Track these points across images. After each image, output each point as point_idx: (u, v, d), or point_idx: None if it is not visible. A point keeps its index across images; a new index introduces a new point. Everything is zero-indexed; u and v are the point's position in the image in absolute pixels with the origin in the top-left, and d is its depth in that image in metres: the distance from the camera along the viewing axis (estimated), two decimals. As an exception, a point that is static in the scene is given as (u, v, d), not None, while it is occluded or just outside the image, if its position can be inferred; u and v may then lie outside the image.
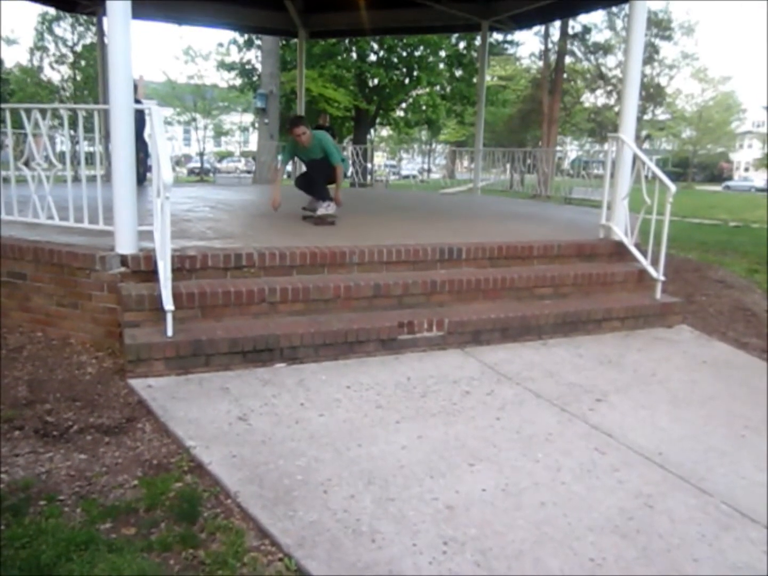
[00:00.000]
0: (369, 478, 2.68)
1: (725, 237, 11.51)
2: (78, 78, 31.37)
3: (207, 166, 38.08)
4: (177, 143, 44.02)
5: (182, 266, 4.05)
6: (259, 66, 21.37)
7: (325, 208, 6.08)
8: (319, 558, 2.19)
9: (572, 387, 3.78)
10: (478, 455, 2.93)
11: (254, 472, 2.68)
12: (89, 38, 29.61)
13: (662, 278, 5.12)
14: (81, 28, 30.44)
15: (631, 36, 5.53)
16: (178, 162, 40.49)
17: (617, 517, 2.53)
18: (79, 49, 31.00)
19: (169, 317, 3.60)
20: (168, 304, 3.59)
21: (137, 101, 5.25)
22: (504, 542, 2.33)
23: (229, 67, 25.22)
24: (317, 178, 6.21)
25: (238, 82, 25.37)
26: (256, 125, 20.94)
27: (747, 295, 6.29)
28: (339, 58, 22.62)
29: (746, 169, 61.04)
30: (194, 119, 35.15)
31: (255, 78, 22.88)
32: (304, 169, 6.62)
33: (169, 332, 3.61)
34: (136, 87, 4.70)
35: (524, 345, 4.42)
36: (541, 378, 3.87)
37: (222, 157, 46.44)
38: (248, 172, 32.75)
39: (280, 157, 6.61)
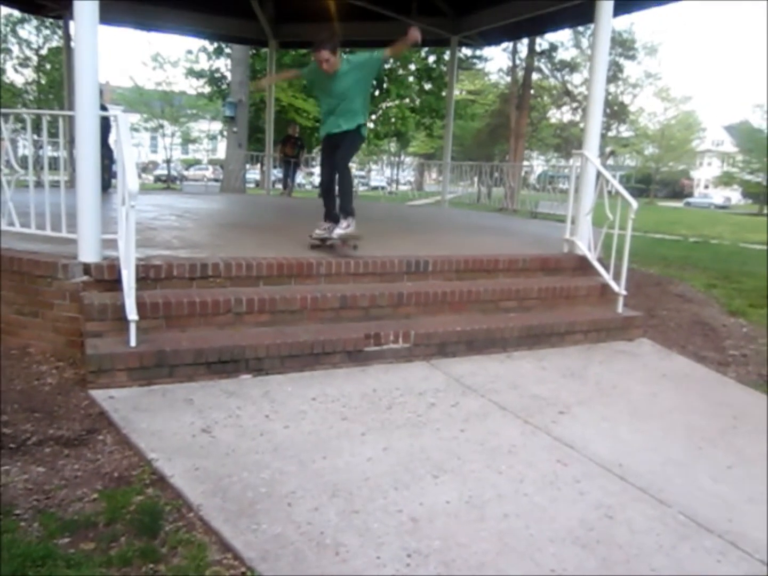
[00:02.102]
0: (334, 490, 2.68)
1: (685, 252, 11.79)
2: (42, 81, 30.77)
3: (174, 173, 37.64)
4: (143, 150, 43.45)
5: (147, 275, 4.00)
6: (228, 74, 21.29)
7: (343, 228, 4.84)
8: (283, 571, 2.18)
9: (536, 399, 3.82)
10: (442, 467, 2.95)
11: (218, 485, 2.65)
12: (55, 41, 29.10)
13: (624, 292, 5.23)
14: (47, 31, 29.90)
15: (596, 55, 5.67)
16: (144, 169, 39.97)
17: (578, 528, 2.57)
18: (44, 52, 30.44)
19: (133, 327, 3.56)
20: (132, 314, 3.55)
21: (103, 107, 5.18)
22: (467, 554, 2.35)
23: (198, 75, 25.06)
24: (343, 175, 4.89)
25: (207, 89, 25.22)
26: (225, 133, 20.81)
27: (705, 309, 6.45)
28: (309, 68, 22.64)
29: (706, 187, 62.65)
30: (161, 126, 34.71)
31: (224, 86, 22.77)
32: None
33: (133, 342, 3.56)
34: (101, 92, 4.63)
35: (489, 357, 4.46)
36: (505, 390, 3.92)
37: (189, 164, 46.01)
38: (216, 180, 32.50)
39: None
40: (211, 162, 45.24)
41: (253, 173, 31.27)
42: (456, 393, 3.81)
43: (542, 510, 2.68)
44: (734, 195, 54.47)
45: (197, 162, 47.29)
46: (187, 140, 39.73)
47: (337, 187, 4.98)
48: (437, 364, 4.24)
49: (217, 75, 23.95)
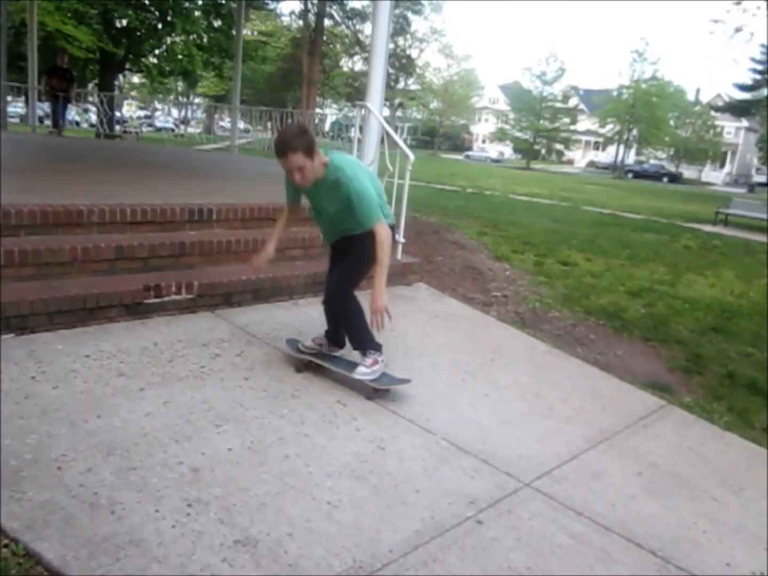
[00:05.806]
0: (109, 449, 2.59)
1: (463, 202, 12.76)
2: None
3: None
4: None
5: None
6: (-22, -11, 18.35)
7: (369, 369, 3.42)
8: (51, 538, 2.09)
9: (320, 344, 3.97)
10: (225, 416, 2.97)
11: (-27, 456, 2.43)
12: None
13: (402, 240, 5.56)
14: None
15: (378, 6, 5.79)
16: None
17: (353, 462, 2.77)
18: None
19: None
20: None
21: None
22: (248, 497, 2.43)
23: (-61, -14, 21.29)
24: (338, 303, 3.58)
25: (-48, 4, 21.57)
26: (-23, 59, 18.06)
27: (476, 255, 7.09)
28: (80, -9, 20.30)
29: (483, 141, 67.79)
30: None
31: (-26, 3, 19.62)
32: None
33: None
34: None
35: (276, 305, 4.52)
36: (291, 337, 4.01)
37: (-67, 92, 39.38)
38: (-31, 112, 28.22)
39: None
40: (-38, 91, 39.13)
41: (17, 107, 27.62)
42: (241, 342, 3.83)
43: (321, 448, 2.84)
44: (507, 150, 59.70)
45: (-57, 90, 40.62)
46: (-72, 63, 33.89)
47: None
48: (222, 314, 4.21)
49: (-36, -12, 20.54)
